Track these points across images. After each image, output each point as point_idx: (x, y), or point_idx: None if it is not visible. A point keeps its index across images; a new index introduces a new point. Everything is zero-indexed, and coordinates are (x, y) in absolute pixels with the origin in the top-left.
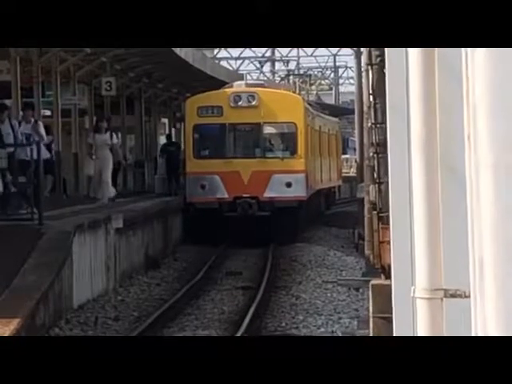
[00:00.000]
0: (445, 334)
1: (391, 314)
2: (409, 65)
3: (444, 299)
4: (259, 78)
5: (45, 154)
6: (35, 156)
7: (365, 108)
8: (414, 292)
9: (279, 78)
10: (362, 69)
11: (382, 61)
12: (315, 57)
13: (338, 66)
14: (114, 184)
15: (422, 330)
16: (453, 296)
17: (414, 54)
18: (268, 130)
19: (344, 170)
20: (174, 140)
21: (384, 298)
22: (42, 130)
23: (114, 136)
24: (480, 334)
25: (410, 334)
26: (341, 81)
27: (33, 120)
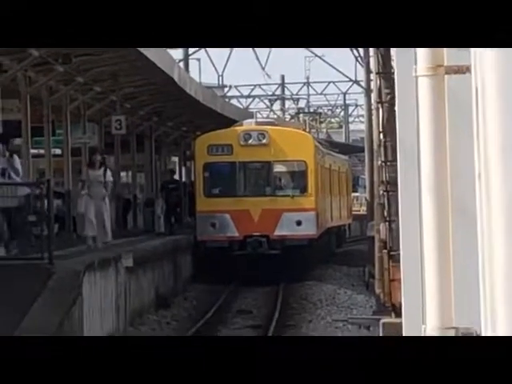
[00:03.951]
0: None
1: None
2: (419, 103)
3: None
4: (269, 116)
5: (23, 191)
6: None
7: (375, 146)
8: (424, 331)
9: (289, 116)
10: (372, 107)
11: (392, 98)
12: (325, 95)
13: (347, 104)
14: (125, 223)
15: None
16: (464, 335)
17: (424, 90)
18: (278, 168)
19: (354, 208)
20: (176, 177)
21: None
22: (18, 164)
23: (109, 173)
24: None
25: None
26: (351, 119)
27: (7, 154)
